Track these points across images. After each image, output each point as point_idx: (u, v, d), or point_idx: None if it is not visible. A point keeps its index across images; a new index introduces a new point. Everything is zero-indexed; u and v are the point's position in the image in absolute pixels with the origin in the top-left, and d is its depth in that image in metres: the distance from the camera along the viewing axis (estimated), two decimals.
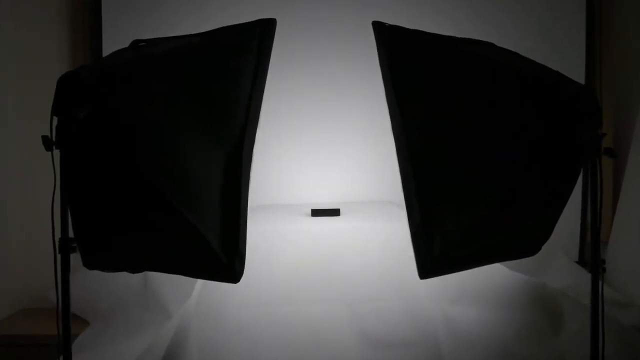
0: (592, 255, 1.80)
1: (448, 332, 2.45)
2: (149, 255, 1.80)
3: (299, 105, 3.29)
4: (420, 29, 1.92)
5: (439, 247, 1.83)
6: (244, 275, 1.86)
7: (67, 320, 1.69)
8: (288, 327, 2.44)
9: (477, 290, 2.53)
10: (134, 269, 1.87)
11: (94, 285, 2.83)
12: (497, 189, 1.82)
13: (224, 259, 1.82)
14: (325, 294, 2.52)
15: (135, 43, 1.80)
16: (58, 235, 1.67)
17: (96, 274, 1.84)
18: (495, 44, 1.93)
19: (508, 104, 1.83)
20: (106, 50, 3.22)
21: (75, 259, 1.69)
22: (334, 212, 2.87)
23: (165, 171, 1.73)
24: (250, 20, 1.92)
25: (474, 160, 1.83)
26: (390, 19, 1.91)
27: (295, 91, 3.27)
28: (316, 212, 2.87)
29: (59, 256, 1.68)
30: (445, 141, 1.85)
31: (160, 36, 1.86)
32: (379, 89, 1.90)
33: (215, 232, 1.81)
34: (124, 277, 2.69)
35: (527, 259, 1.93)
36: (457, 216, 1.82)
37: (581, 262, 3.28)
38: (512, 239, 1.90)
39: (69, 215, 1.68)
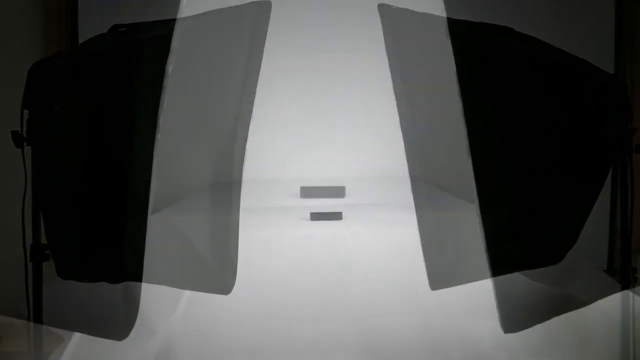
0: (622, 263, 1.81)
1: (462, 349, 2.45)
2: (129, 264, 1.80)
3: (298, 94, 3.30)
4: (431, 13, 1.93)
5: (452, 255, 1.84)
6: (235, 286, 1.86)
7: (39, 336, 1.69)
8: (287, 345, 2.44)
9: (494, 303, 2.53)
10: (114, 280, 1.87)
11: (69, 298, 2.83)
12: (516, 191, 1.82)
13: (213, 267, 1.83)
14: (329, 308, 2.51)
15: (115, 28, 1.81)
16: (29, 241, 1.68)
17: (72, 284, 1.85)
18: (514, 28, 1.94)
19: (527, 96, 1.84)
20: (83, 35, 3.22)
21: (48, 267, 1.70)
22: (336, 216, 2.90)
23: (147, 169, 1.74)
24: (242, 3, 1.93)
25: (489, 159, 1.84)
26: (398, 1, 1.92)
27: (293, 76, 3.28)
28: (316, 216, 2.89)
29: (30, 264, 1.68)
30: (458, 138, 1.86)
31: (143, 20, 1.87)
32: (387, 77, 1.91)
33: (203, 237, 1.82)
34: (102, 288, 2.70)
35: (550, 267, 1.94)
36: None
37: (610, 270, 3.28)
38: (534, 246, 1.90)
39: (42, 219, 1.68)
